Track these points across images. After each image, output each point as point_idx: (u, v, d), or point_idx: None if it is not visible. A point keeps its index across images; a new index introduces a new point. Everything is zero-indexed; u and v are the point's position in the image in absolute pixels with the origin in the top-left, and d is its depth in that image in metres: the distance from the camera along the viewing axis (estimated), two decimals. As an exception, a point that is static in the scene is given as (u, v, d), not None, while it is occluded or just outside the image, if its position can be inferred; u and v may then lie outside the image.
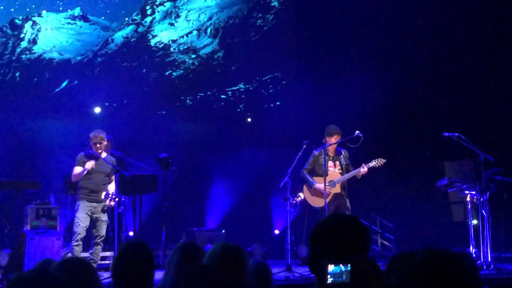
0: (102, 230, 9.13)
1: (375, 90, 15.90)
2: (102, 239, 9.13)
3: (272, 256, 11.66)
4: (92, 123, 17.42)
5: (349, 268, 2.33)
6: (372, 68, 16.46)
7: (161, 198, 11.11)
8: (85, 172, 9.11)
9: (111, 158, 9.54)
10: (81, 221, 8.98)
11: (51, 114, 17.56)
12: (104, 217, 9.16)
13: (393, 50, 16.86)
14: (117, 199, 9.17)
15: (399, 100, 16.26)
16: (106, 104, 18.81)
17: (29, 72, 19.86)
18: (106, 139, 9.41)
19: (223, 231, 12.94)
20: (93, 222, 9.10)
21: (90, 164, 9.09)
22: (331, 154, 9.78)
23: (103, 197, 9.10)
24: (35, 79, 19.59)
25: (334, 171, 9.76)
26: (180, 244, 4.24)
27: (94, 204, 9.12)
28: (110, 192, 9.19)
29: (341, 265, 2.33)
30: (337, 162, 9.81)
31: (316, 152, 9.75)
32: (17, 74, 19.64)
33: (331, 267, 2.34)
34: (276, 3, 20.67)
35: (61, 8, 21.54)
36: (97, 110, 16.68)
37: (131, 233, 12.22)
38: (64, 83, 19.39)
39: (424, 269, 2.14)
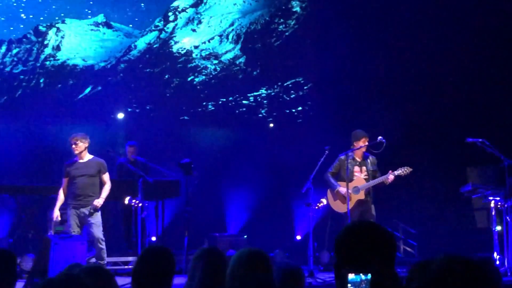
0: (97, 233, 9.00)
1: (399, 95, 15.83)
2: (97, 240, 9.01)
3: (293, 261, 11.62)
4: (115, 128, 17.58)
5: (369, 278, 2.33)
6: (395, 72, 16.40)
7: (183, 203, 11.12)
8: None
9: (96, 160, 9.35)
10: (72, 230, 9.00)
11: (74, 120, 17.71)
12: (94, 219, 9.01)
13: (416, 54, 16.77)
14: (140, 204, 9.19)
15: (422, 106, 16.18)
16: (129, 109, 18.94)
17: (53, 79, 20.05)
18: (82, 140, 9.17)
19: (245, 236, 12.94)
20: (86, 228, 9.05)
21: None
22: (358, 159, 9.65)
23: (96, 203, 9.00)
24: (59, 85, 19.78)
25: (359, 177, 9.59)
26: (204, 249, 4.23)
27: (81, 209, 9.04)
28: (103, 195, 9.11)
29: (361, 274, 2.33)
30: (364, 168, 9.64)
31: (342, 156, 9.57)
32: (41, 81, 19.85)
33: (351, 276, 2.33)
34: (297, 9, 20.69)
35: (89, 17, 21.74)
36: (120, 115, 16.79)
37: (153, 238, 12.25)
38: (88, 89, 19.55)
39: (444, 276, 2.13)
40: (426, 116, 16.40)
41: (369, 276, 2.32)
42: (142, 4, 21.63)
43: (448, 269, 2.12)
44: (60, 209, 9.42)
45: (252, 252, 3.71)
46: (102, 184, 9.30)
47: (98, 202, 9.05)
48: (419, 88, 16.09)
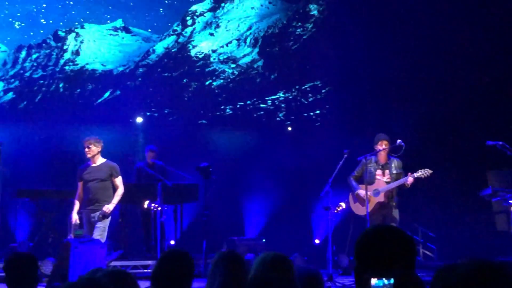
0: (97, 236, 8.89)
1: (417, 97, 15.75)
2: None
3: (312, 265, 11.59)
4: (134, 132, 17.66)
5: (392, 283, 2.32)
6: (414, 74, 16.32)
7: (201, 207, 11.14)
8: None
9: (108, 163, 9.27)
10: (86, 233, 8.96)
11: (93, 124, 17.80)
12: (101, 223, 8.95)
13: (435, 55, 16.69)
14: (159, 208, 9.21)
15: (441, 108, 16.09)
16: (148, 113, 19.02)
17: (72, 83, 20.19)
18: (95, 144, 9.14)
19: (263, 240, 12.93)
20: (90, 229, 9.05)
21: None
22: (381, 162, 9.60)
23: (105, 209, 8.97)
24: (78, 90, 19.91)
25: (381, 180, 9.55)
26: (223, 253, 4.23)
27: (92, 214, 9.01)
28: (114, 201, 9.02)
29: (384, 279, 2.32)
30: (387, 171, 9.57)
31: (364, 160, 9.56)
32: (60, 85, 19.99)
33: (374, 281, 2.33)
34: (315, 12, 20.68)
35: (108, 22, 21.88)
36: (139, 120, 16.87)
37: (172, 242, 12.29)
38: (107, 94, 19.66)
39: (470, 280, 2.12)
40: (446, 118, 16.30)
41: (392, 280, 2.31)
42: (161, 9, 21.74)
43: (475, 273, 2.11)
44: (78, 213, 9.47)
45: (276, 256, 3.71)
46: (115, 188, 9.19)
47: (108, 208, 8.94)
48: (438, 91, 16.00)
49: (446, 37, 16.55)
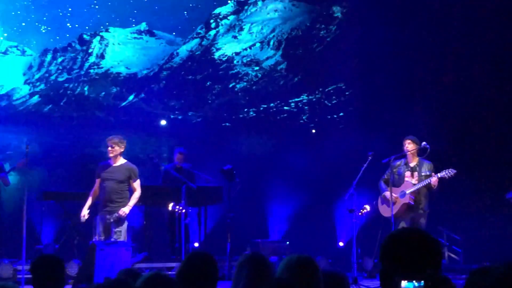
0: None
1: (442, 98, 15.64)
2: None
3: (336, 268, 11.56)
4: (158, 135, 17.75)
5: (422, 285, 2.30)
6: (438, 75, 16.21)
7: (225, 210, 11.15)
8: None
9: (128, 165, 9.14)
10: (99, 237, 8.88)
11: (118, 127, 17.93)
12: (118, 227, 8.83)
13: (459, 57, 16.56)
14: (183, 211, 9.23)
15: (466, 109, 15.97)
16: (172, 116, 19.11)
17: (97, 86, 20.34)
18: (119, 144, 9.01)
19: (287, 242, 12.92)
20: (108, 231, 8.91)
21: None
22: (410, 164, 9.55)
23: (121, 212, 8.87)
24: (103, 93, 20.05)
25: (409, 181, 9.47)
26: (248, 256, 4.22)
27: (108, 216, 8.85)
28: (130, 203, 8.89)
29: (414, 281, 2.31)
30: (416, 173, 9.51)
31: (391, 162, 9.50)
32: (85, 88, 20.15)
33: (404, 283, 2.32)
34: (339, 14, 20.63)
35: (132, 25, 22.02)
36: (163, 122, 16.95)
37: (196, 244, 12.32)
38: (131, 97, 19.79)
39: (505, 283, 2.10)
40: (471, 119, 16.17)
41: (422, 283, 2.30)
42: (185, 12, 21.82)
43: (509, 276, 2.09)
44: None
45: (301, 258, 3.70)
46: (132, 191, 9.06)
47: (124, 211, 8.81)
48: (462, 91, 15.86)
49: (472, 36, 16.40)
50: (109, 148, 8.98)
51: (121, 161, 9.09)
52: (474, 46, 16.37)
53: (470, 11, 16.44)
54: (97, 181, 9.10)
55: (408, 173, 9.47)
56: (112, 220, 8.81)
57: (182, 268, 3.96)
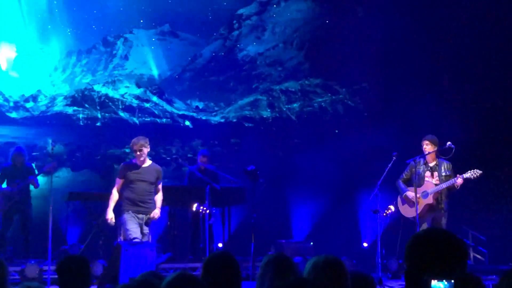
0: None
1: (466, 99, 15.52)
2: None
3: (361, 269, 11.51)
4: (182, 136, 17.81)
5: (452, 284, 2.30)
6: (465, 76, 16.09)
7: (249, 210, 11.15)
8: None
9: (155, 166, 9.18)
10: (133, 232, 8.79)
11: (142, 128, 18.03)
12: (146, 230, 8.89)
13: (484, 56, 16.41)
14: (207, 211, 9.25)
15: (489, 109, 15.83)
16: (195, 117, 19.18)
17: (121, 88, 20.45)
18: (146, 146, 8.97)
19: (311, 243, 12.89)
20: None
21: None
22: (430, 164, 9.49)
23: (155, 215, 8.89)
24: (127, 94, 20.15)
25: (430, 181, 9.42)
26: (272, 256, 4.21)
27: (140, 216, 8.87)
28: (158, 205, 8.93)
29: (444, 280, 2.30)
30: (436, 173, 9.45)
31: (412, 162, 9.45)
32: (109, 89, 20.26)
33: (434, 282, 2.31)
34: (361, 14, 20.52)
35: (157, 27, 22.11)
36: (186, 123, 17.02)
37: (220, 245, 12.34)
38: (154, 98, 19.88)
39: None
40: (495, 118, 16.03)
41: (453, 282, 2.29)
42: (209, 14, 21.85)
43: None
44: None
45: (329, 258, 3.69)
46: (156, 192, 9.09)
47: (157, 214, 8.93)
48: (486, 90, 15.73)
49: (495, 35, 16.25)
50: (138, 153, 8.91)
51: (148, 161, 9.09)
52: (504, 44, 16.20)
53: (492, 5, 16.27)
54: (120, 181, 9.07)
55: (428, 173, 9.42)
56: (144, 222, 8.86)
57: (204, 269, 3.96)
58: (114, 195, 9.03)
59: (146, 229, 8.88)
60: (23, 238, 11.46)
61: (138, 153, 8.91)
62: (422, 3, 17.60)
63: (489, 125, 16.02)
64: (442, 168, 9.45)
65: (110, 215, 8.97)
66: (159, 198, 9.08)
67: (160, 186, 9.11)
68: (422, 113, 15.46)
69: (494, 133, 15.99)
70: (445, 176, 9.39)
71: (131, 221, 8.86)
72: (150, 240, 8.98)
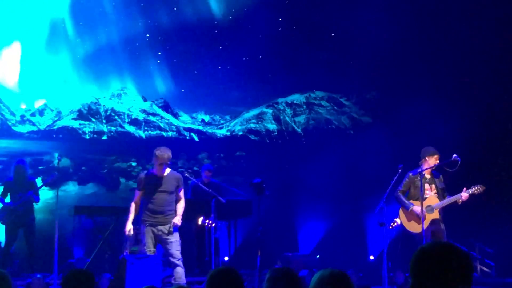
0: (177, 252, 8.60)
1: (470, 111, 15.51)
2: (178, 260, 8.63)
3: (367, 282, 11.49)
4: (187, 149, 17.84)
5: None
6: (469, 85, 16.09)
7: (255, 223, 11.13)
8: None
9: (175, 174, 8.93)
10: (148, 249, 8.61)
11: (148, 141, 18.08)
12: (174, 237, 8.61)
13: (487, 67, 16.41)
14: (213, 225, 9.22)
15: (493, 120, 15.82)
16: (200, 129, 19.22)
17: (127, 101, 20.54)
18: (170, 156, 8.74)
19: (318, 256, 12.86)
20: (163, 245, 8.64)
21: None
22: (427, 177, 9.45)
23: (176, 221, 8.63)
24: (133, 107, 20.23)
25: (431, 195, 9.38)
26: (279, 271, 4.20)
27: (159, 227, 8.60)
28: (179, 213, 8.70)
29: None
30: (433, 186, 9.43)
31: (412, 174, 9.39)
32: (115, 103, 20.34)
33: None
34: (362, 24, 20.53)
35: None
36: (193, 136, 17.04)
37: (226, 258, 12.33)
38: (160, 111, 19.94)
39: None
40: (499, 129, 16.01)
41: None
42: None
43: None
44: (137, 228, 9.45)
45: (335, 273, 3.68)
46: (176, 200, 8.87)
47: (179, 220, 8.64)
48: (492, 103, 15.73)
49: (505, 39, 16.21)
50: (165, 165, 8.69)
51: (167, 170, 8.82)
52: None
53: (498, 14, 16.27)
54: (139, 193, 8.82)
55: (427, 186, 9.37)
56: (167, 232, 8.60)
57: (207, 284, 3.96)
58: (133, 208, 8.80)
59: (171, 238, 8.60)
60: (27, 252, 11.44)
61: (164, 165, 8.68)
62: (420, 12, 17.59)
63: (496, 135, 16.00)
64: (437, 181, 9.43)
65: (129, 227, 8.74)
66: (180, 206, 8.83)
67: (181, 194, 8.88)
68: (428, 124, 15.48)
69: (501, 143, 15.96)
70: (441, 189, 9.38)
71: (147, 235, 8.65)
72: (179, 249, 8.72)
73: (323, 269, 3.67)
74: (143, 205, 8.76)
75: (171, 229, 8.60)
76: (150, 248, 8.64)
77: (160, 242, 8.68)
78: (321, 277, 3.62)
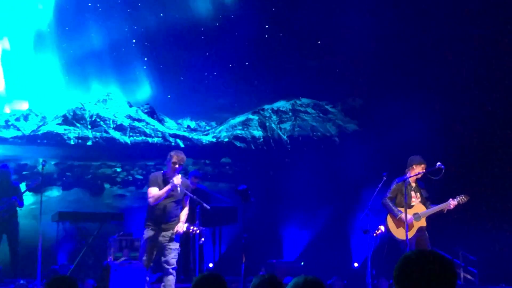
0: (174, 260, 8.28)
1: (457, 118, 15.61)
2: (172, 268, 8.26)
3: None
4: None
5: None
6: (455, 92, 16.19)
7: (240, 230, 11.13)
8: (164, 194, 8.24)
9: (185, 181, 8.60)
10: (145, 253, 8.27)
11: (133, 147, 18.03)
12: (174, 245, 8.31)
13: (478, 71, 16.51)
14: (198, 231, 9.18)
15: (475, 129, 15.93)
16: (186, 136, 19.19)
17: (112, 107, 20.49)
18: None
19: (302, 263, 12.87)
20: (161, 251, 8.29)
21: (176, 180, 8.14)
22: (413, 185, 9.48)
23: (179, 228, 8.30)
24: (118, 113, 20.20)
25: (418, 203, 9.41)
26: (262, 277, 4.19)
27: (163, 233, 8.29)
28: (182, 219, 8.42)
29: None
30: (418, 194, 9.48)
31: (399, 182, 9.39)
32: (101, 109, 20.28)
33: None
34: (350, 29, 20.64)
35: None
36: (178, 142, 16.98)
37: (210, 265, 12.30)
38: (146, 117, 19.90)
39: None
40: (485, 138, 16.11)
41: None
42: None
43: None
44: (126, 234, 9.35)
45: (308, 280, 3.68)
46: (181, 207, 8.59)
47: (182, 228, 8.34)
48: (477, 110, 15.83)
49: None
50: (177, 167, 8.37)
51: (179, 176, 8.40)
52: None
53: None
54: (157, 189, 8.40)
55: (413, 193, 9.41)
56: (167, 238, 8.30)
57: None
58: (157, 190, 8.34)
59: (171, 245, 8.26)
60: (10, 258, 11.34)
61: (177, 166, 8.33)
62: (405, 19, 17.69)
63: (478, 146, 16.10)
64: (422, 189, 9.48)
65: (177, 181, 8.19)
66: (184, 213, 8.53)
67: (187, 202, 8.60)
68: (411, 132, 15.54)
69: (484, 153, 16.06)
70: (425, 197, 9.43)
71: (147, 241, 8.28)
72: (176, 257, 8.37)
73: (298, 276, 3.68)
74: (147, 208, 8.46)
75: (173, 236, 8.30)
76: (147, 255, 8.30)
77: (159, 249, 8.35)
78: (296, 284, 3.63)
